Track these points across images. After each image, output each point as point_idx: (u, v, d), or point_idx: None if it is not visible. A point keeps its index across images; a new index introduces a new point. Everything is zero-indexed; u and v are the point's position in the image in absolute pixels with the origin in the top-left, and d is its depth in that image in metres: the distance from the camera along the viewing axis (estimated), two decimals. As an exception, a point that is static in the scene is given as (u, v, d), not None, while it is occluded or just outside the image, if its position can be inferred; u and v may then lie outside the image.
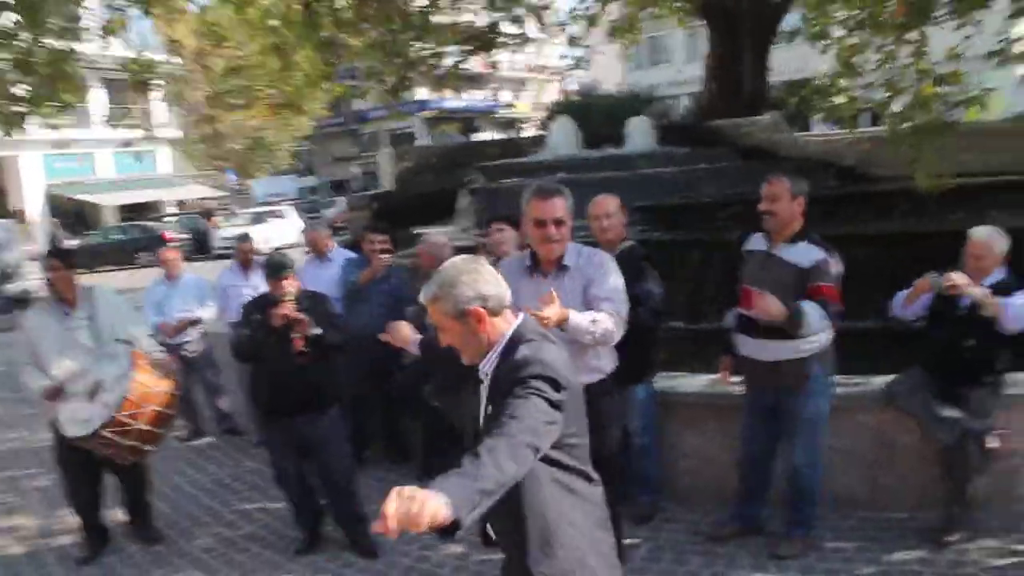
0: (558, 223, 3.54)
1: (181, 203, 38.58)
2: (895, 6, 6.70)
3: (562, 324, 3.38)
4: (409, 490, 1.95)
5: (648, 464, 4.90)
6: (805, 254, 4.11)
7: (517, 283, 3.66)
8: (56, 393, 4.76)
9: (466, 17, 12.37)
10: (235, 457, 6.78)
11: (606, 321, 3.51)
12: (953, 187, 6.98)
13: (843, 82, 7.06)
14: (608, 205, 4.65)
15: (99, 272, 25.62)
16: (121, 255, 27.13)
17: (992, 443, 4.21)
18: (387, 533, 1.93)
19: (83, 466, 5.02)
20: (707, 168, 11.14)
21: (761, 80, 14.08)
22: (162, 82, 9.13)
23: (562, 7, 13.69)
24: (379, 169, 13.83)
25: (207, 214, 32.80)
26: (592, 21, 12.07)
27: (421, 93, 39.70)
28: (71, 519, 5.52)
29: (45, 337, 4.89)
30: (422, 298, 2.62)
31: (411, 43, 10.37)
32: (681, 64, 39.29)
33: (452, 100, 47.80)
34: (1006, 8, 7.67)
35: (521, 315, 2.65)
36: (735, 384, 4.68)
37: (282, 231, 27.83)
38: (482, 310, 2.51)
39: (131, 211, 34.41)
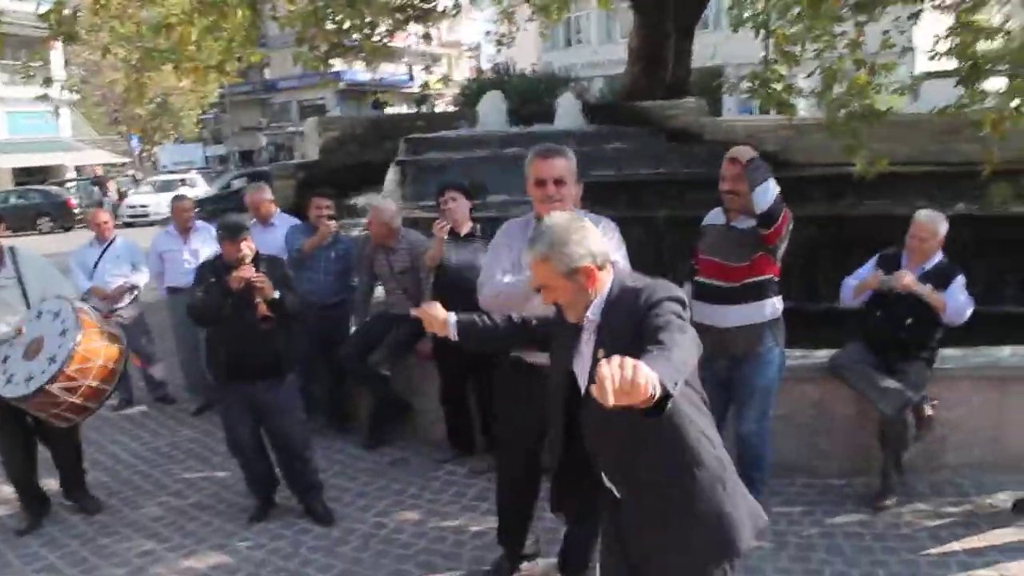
0: (558, 182, 3.52)
1: (79, 168, 37.03)
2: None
3: None
4: (621, 359, 1.88)
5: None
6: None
7: (522, 244, 3.69)
8: None
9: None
10: (170, 426, 6.62)
11: None
12: (880, 174, 7.28)
13: (781, 70, 7.28)
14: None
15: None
16: (22, 220, 25.92)
17: (929, 412, 4.49)
18: (604, 399, 1.82)
19: (16, 433, 4.85)
20: (635, 147, 11.36)
21: (684, 64, 14.34)
22: (83, 35, 8.66)
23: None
24: (305, 138, 13.54)
25: (99, 182, 31.31)
26: (528, -2, 12.12)
27: (334, 65, 39.03)
28: (4, 489, 5.35)
29: None
30: (529, 258, 2.59)
31: (344, 10, 10.18)
32: (597, 45, 39.55)
33: (364, 73, 46.94)
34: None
35: (618, 264, 2.65)
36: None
37: (191, 200, 27.06)
38: (592, 266, 2.52)
39: (28, 175, 32.86)
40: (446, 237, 5.35)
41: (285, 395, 4.72)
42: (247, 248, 4.60)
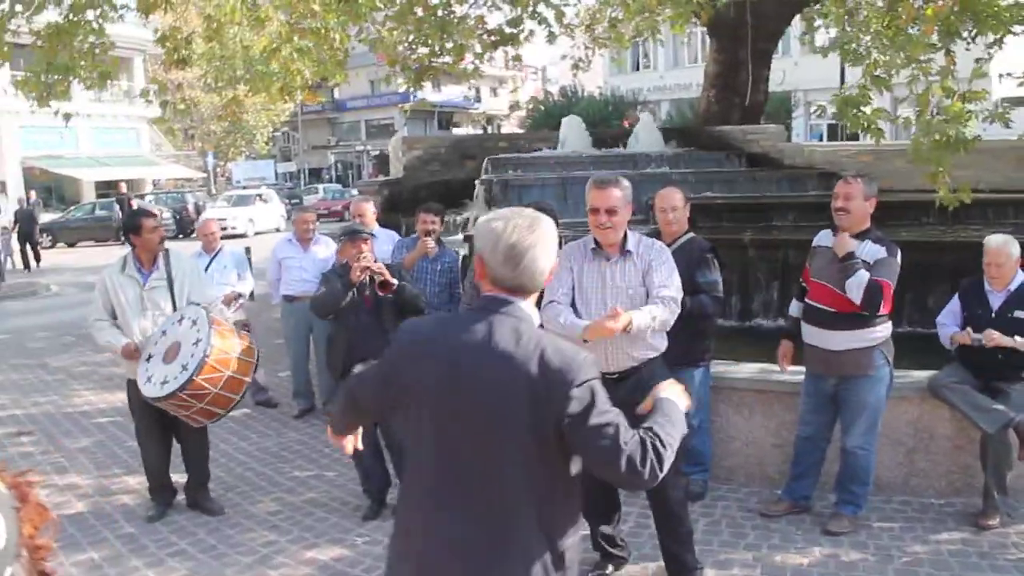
0: (610, 211, 3.85)
1: (156, 182, 38.33)
2: (925, 25, 7.04)
3: (628, 328, 3.65)
4: None
5: (701, 443, 5.16)
6: (870, 252, 4.42)
7: (580, 265, 4.01)
8: (134, 352, 4.91)
9: (480, 12, 12.51)
10: (276, 428, 6.92)
11: (663, 313, 3.83)
12: (968, 202, 7.29)
13: (872, 95, 7.36)
14: (675, 199, 4.96)
15: (82, 248, 25.71)
16: (105, 231, 26.83)
17: (1033, 433, 4.55)
18: None
19: (153, 424, 5.16)
20: (715, 171, 11.51)
21: (761, 89, 14.45)
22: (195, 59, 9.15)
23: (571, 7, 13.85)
24: (391, 155, 13.91)
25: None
26: (613, 24, 12.36)
27: (424, 85, 39.79)
28: (127, 479, 5.72)
29: (124, 296, 5.03)
30: None
31: (437, 35, 10.54)
32: (664, 71, 39.70)
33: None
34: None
35: (534, 298, 2.32)
36: (789, 371, 4.98)
37: (266, 215, 27.92)
38: (479, 261, 2.27)
39: (109, 188, 34.01)
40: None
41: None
42: (366, 248, 4.99)
